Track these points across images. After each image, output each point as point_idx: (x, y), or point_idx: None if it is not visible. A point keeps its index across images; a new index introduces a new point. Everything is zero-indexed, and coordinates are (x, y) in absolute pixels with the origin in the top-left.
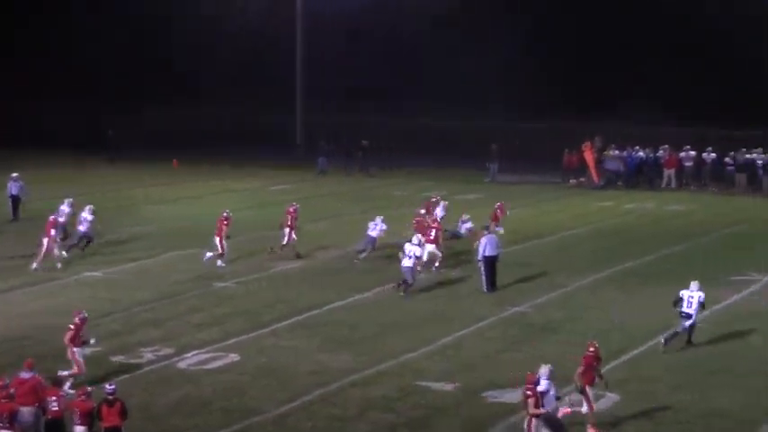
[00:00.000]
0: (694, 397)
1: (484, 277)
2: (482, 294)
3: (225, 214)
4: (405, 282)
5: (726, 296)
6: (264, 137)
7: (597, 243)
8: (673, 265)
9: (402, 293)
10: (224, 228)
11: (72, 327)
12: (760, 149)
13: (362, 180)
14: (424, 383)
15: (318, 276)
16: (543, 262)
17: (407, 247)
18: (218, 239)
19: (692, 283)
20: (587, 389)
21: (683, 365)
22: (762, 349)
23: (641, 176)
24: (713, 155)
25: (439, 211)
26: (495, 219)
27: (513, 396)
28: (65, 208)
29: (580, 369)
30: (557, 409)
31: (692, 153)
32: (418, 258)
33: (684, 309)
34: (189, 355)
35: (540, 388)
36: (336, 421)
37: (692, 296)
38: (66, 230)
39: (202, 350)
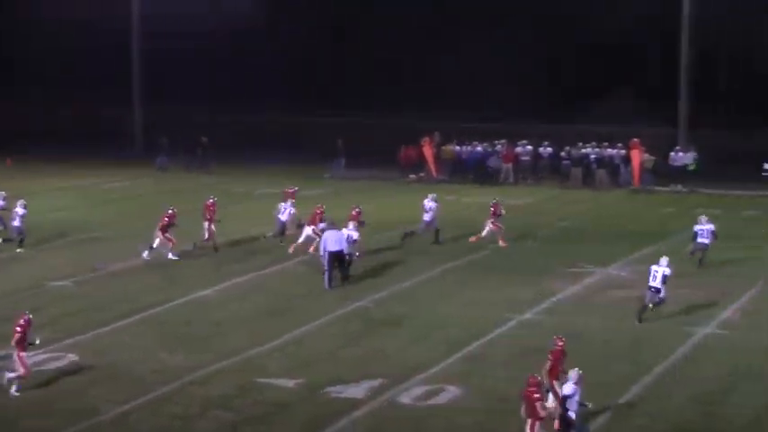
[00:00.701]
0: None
1: (326, 273)
2: (325, 290)
3: (211, 200)
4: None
5: (563, 288)
6: (102, 133)
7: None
8: (512, 258)
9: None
10: (212, 215)
11: (18, 329)
12: (593, 143)
13: (202, 177)
14: (264, 380)
15: (159, 273)
16: (384, 257)
17: (345, 232)
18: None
19: (661, 258)
20: (554, 384)
21: (522, 357)
22: (597, 341)
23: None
24: (549, 149)
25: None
26: (354, 219)
27: (354, 391)
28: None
29: (548, 365)
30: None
31: (529, 148)
32: (355, 242)
33: (650, 283)
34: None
35: (567, 391)
36: (177, 420)
37: (657, 270)
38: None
39: (39, 351)
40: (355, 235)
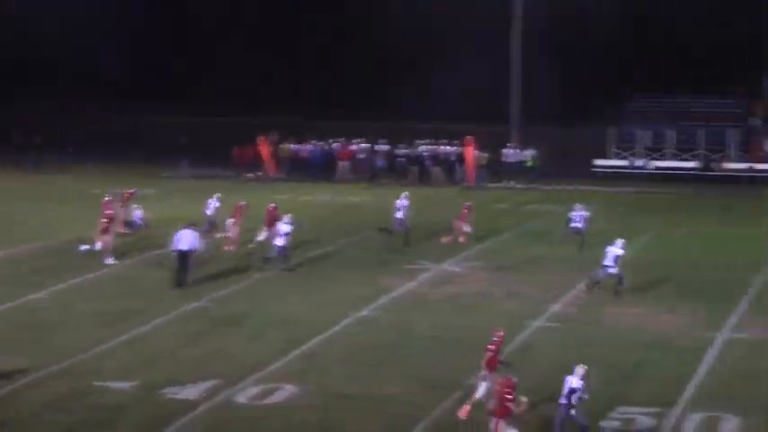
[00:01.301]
0: (367, 385)
1: (174, 272)
2: (166, 289)
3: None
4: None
5: (399, 284)
6: None
7: None
8: (350, 256)
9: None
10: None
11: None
12: (428, 141)
13: (33, 176)
14: (100, 383)
15: None
16: (221, 255)
17: (283, 228)
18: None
19: (617, 239)
20: (489, 375)
21: (359, 354)
22: (431, 336)
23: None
24: (385, 147)
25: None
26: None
27: (191, 392)
28: None
29: (488, 355)
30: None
31: (365, 145)
32: (287, 235)
33: (604, 262)
34: None
35: (575, 385)
36: (12, 424)
37: (610, 251)
38: None
39: None
40: (287, 228)
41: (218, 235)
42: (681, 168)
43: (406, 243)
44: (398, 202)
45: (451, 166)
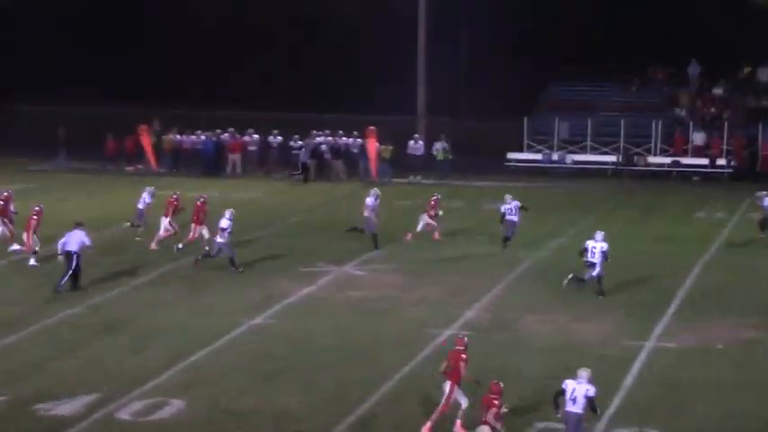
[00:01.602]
0: (261, 399)
1: (65, 275)
2: (39, 295)
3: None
4: (207, 255)
5: (296, 289)
6: None
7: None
8: (242, 258)
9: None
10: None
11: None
12: (328, 132)
13: None
14: None
15: None
16: (104, 258)
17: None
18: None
19: (597, 233)
20: (452, 386)
21: (251, 365)
22: (332, 345)
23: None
24: (279, 138)
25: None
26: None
27: (67, 408)
28: None
29: (446, 364)
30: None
31: (257, 137)
32: (224, 230)
33: (588, 258)
34: None
35: (591, 393)
36: None
37: (595, 246)
38: None
39: None
40: (227, 224)
41: (141, 230)
42: (600, 162)
43: (375, 245)
44: (369, 200)
45: (353, 160)
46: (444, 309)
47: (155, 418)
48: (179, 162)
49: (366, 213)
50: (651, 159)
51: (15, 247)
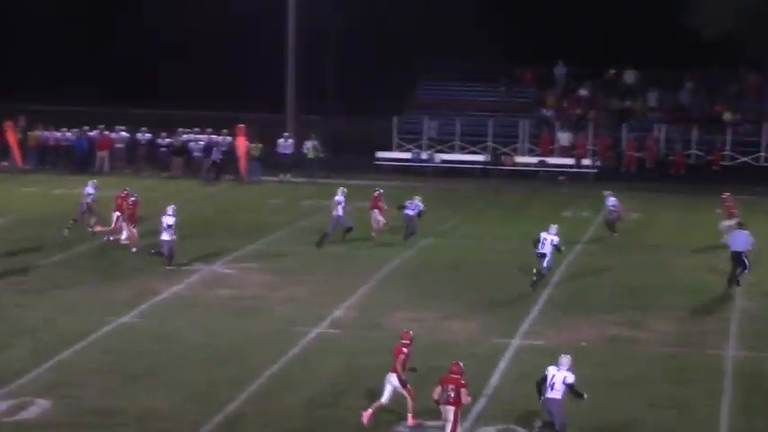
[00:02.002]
0: (128, 399)
1: None
2: None
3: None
4: (160, 253)
5: (164, 287)
6: None
7: (37, 233)
8: (110, 256)
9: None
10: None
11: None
12: (197, 130)
13: None
14: None
15: None
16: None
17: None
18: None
19: (551, 225)
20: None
21: (118, 366)
22: (201, 343)
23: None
24: (148, 135)
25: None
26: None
27: None
28: None
29: (401, 358)
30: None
31: (125, 134)
32: (170, 227)
33: (539, 250)
34: None
35: (569, 380)
36: None
37: (546, 238)
38: None
39: None
40: (172, 221)
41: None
42: (469, 162)
43: (344, 235)
44: (337, 198)
45: (222, 158)
46: (312, 307)
47: (19, 419)
48: (45, 159)
49: (335, 212)
50: (518, 159)
51: None
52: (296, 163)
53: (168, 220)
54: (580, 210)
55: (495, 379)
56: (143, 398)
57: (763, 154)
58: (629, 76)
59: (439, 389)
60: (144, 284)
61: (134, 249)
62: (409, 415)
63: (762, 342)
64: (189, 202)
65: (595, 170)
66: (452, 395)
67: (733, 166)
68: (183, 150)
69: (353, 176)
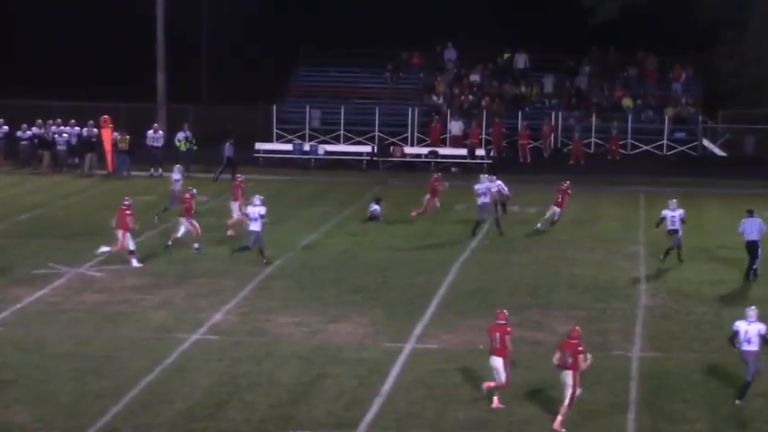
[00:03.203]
0: None
1: None
2: None
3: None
4: (246, 247)
5: (27, 293)
6: None
7: None
8: None
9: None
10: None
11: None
12: (59, 121)
13: None
14: None
15: None
16: None
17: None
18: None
19: (670, 201)
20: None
21: None
22: (70, 353)
23: None
24: (6, 128)
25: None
26: None
27: None
28: None
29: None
30: None
31: None
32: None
33: (670, 227)
34: None
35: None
36: None
37: (672, 215)
38: None
39: None
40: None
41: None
42: (354, 153)
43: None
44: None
45: (87, 150)
46: (189, 312)
47: None
48: None
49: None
50: (407, 150)
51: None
52: (167, 156)
53: (259, 210)
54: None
55: (387, 386)
56: (6, 412)
57: (665, 142)
58: (522, 61)
59: (558, 354)
60: (4, 290)
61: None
62: (495, 398)
63: (667, 341)
64: (52, 200)
65: (490, 161)
66: (570, 360)
67: (634, 155)
68: (52, 143)
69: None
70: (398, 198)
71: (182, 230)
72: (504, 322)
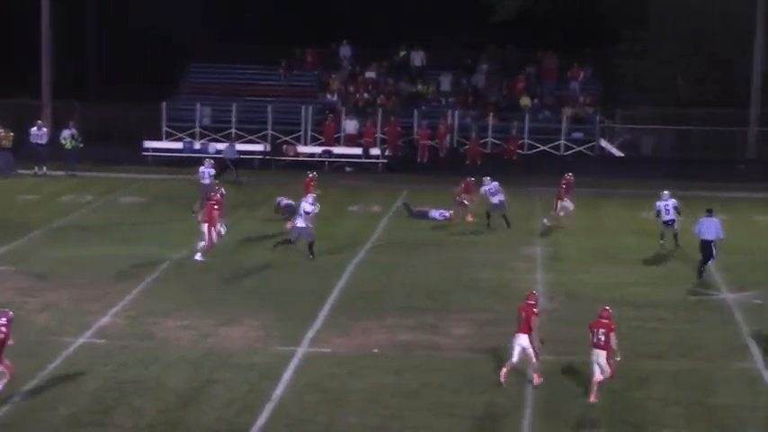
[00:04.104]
0: None
1: None
2: None
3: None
4: (288, 241)
5: None
6: None
7: None
8: None
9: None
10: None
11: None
12: None
13: None
14: None
15: None
16: None
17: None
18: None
19: (662, 192)
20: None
21: None
22: None
23: None
24: None
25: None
26: None
27: None
28: None
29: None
30: None
31: None
32: (308, 214)
33: (665, 217)
34: None
35: None
36: None
37: (665, 204)
38: None
39: None
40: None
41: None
42: (247, 152)
43: None
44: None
45: None
46: (75, 315)
47: None
48: None
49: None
50: (301, 149)
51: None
52: (52, 154)
53: (311, 207)
54: (370, 204)
55: (279, 391)
56: None
57: (563, 142)
58: (419, 58)
59: (590, 334)
60: None
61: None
62: (535, 375)
63: (566, 345)
64: None
65: (385, 161)
66: (602, 339)
67: (531, 156)
68: None
69: (118, 169)
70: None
71: (223, 230)
72: (533, 302)
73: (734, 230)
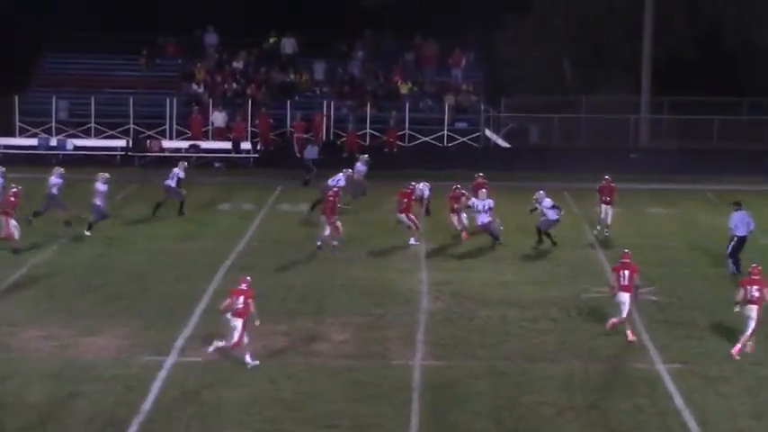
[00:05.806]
0: None
1: None
2: None
3: None
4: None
5: None
6: None
7: None
8: None
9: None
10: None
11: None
12: None
13: None
14: None
15: None
16: None
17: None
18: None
19: (538, 192)
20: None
21: None
22: None
23: None
24: None
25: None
26: None
27: None
28: None
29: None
30: None
31: None
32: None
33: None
34: None
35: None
36: None
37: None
38: None
39: None
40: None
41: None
42: (107, 148)
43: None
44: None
45: None
46: None
47: None
48: None
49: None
50: (166, 144)
51: None
52: None
53: (488, 202)
54: (241, 201)
55: (147, 404)
56: None
57: (446, 132)
58: (290, 45)
59: (741, 291)
60: None
61: None
62: (629, 331)
63: (451, 348)
64: None
65: (257, 155)
66: (757, 295)
67: (412, 147)
68: None
69: None
70: (157, 197)
71: (327, 230)
72: (628, 261)
73: (627, 224)
